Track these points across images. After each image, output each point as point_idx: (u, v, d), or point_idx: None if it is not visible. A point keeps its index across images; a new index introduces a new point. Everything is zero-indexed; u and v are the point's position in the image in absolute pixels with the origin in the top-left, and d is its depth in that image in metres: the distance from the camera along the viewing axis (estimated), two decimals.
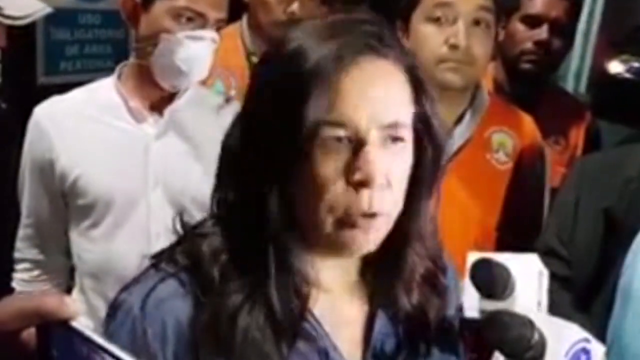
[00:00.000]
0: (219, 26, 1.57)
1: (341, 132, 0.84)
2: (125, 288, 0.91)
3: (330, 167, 0.84)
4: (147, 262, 0.93)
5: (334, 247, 0.89)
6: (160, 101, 1.62)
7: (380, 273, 0.96)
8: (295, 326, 0.87)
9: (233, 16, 2.21)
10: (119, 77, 1.64)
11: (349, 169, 0.84)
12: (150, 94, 1.61)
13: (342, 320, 0.93)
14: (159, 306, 0.87)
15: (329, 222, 0.86)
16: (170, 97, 1.63)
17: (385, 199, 0.86)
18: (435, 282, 0.98)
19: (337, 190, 0.84)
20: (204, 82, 2.03)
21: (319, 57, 0.83)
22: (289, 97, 0.83)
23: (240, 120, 0.92)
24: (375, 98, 0.85)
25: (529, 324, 0.86)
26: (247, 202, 0.88)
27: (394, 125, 0.86)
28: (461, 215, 1.62)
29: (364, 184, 0.84)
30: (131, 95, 1.61)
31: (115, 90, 1.62)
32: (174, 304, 0.87)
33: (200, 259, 0.89)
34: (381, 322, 0.96)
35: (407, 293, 0.96)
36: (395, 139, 0.86)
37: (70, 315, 0.57)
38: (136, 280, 0.91)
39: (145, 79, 1.59)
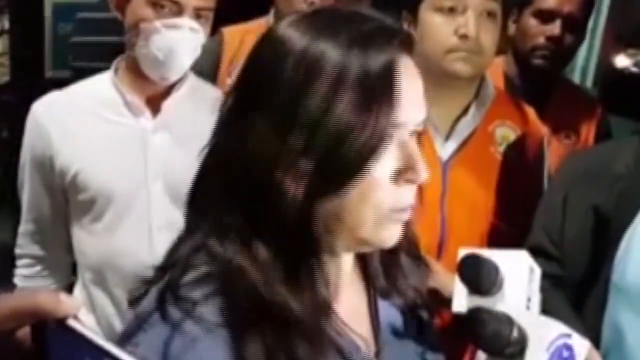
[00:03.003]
0: (201, 14, 1.54)
1: (395, 131, 0.85)
2: (128, 338, 0.83)
3: (382, 167, 0.84)
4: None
5: (366, 244, 0.89)
6: (156, 95, 1.62)
7: (372, 259, 0.97)
8: (326, 330, 0.86)
9: (261, 10, 2.23)
10: (116, 71, 1.64)
11: (402, 168, 0.85)
12: (145, 88, 1.61)
13: (350, 312, 0.93)
14: (187, 351, 0.80)
15: (370, 222, 0.86)
16: (168, 91, 1.62)
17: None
18: (414, 253, 1.00)
19: (385, 189, 0.85)
20: (229, 76, 2.04)
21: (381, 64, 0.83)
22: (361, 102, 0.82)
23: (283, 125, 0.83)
24: (420, 94, 0.88)
25: (507, 320, 0.86)
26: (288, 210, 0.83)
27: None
28: (467, 207, 1.62)
29: (413, 182, 0.86)
30: (128, 89, 1.61)
31: (112, 84, 1.62)
32: (204, 344, 0.80)
33: (226, 284, 0.84)
34: (383, 308, 0.97)
35: (400, 272, 0.98)
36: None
37: (66, 313, 0.56)
38: (137, 327, 0.83)
39: (138, 72, 1.59)
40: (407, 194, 0.87)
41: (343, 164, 0.81)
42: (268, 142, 0.82)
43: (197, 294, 0.83)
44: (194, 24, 1.53)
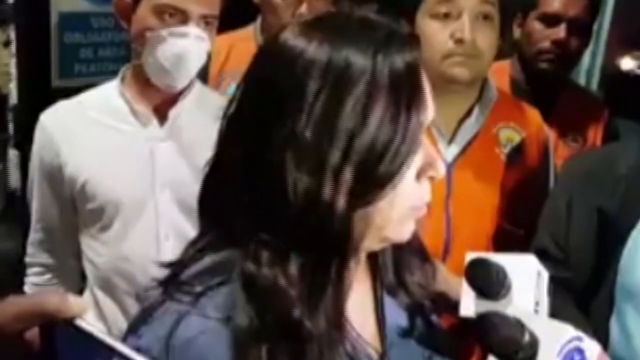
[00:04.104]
0: (207, 22, 1.54)
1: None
2: (132, 331, 0.84)
3: (412, 167, 0.85)
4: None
5: (386, 242, 0.90)
6: (163, 103, 1.61)
7: (384, 255, 0.98)
8: (339, 342, 0.86)
9: (248, 18, 2.22)
10: (122, 79, 1.64)
11: (423, 165, 0.87)
12: (152, 96, 1.61)
13: (356, 309, 0.92)
14: (189, 346, 0.80)
15: (395, 220, 0.86)
16: (174, 99, 1.62)
17: None
18: (419, 249, 1.01)
19: (412, 188, 0.86)
20: (218, 85, 2.03)
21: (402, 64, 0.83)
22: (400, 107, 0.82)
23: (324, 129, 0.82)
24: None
25: (519, 325, 0.86)
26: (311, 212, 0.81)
27: None
28: (472, 209, 1.62)
29: (433, 177, 0.88)
30: (135, 98, 1.61)
31: (119, 93, 1.62)
32: (207, 339, 0.81)
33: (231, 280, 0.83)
34: (389, 305, 0.98)
35: (407, 269, 0.99)
36: None
37: (73, 314, 0.56)
38: (141, 321, 0.84)
39: (145, 80, 1.59)
40: (426, 190, 0.88)
41: (384, 172, 0.82)
42: (309, 159, 0.80)
43: (195, 288, 0.83)
44: (200, 31, 1.52)
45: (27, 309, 0.58)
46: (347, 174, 0.80)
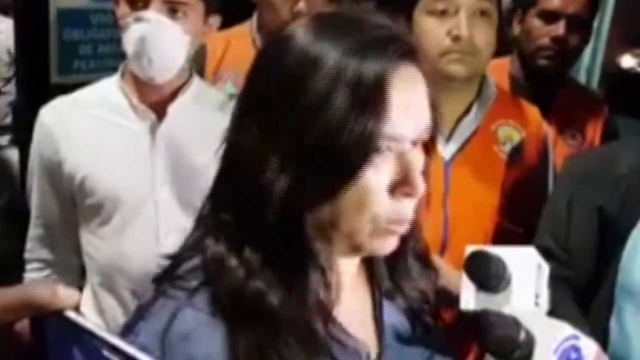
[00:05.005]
0: (174, 9, 1.53)
1: (392, 144, 0.83)
2: (129, 329, 0.85)
3: (379, 179, 0.83)
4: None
5: (360, 250, 0.90)
6: (162, 99, 1.62)
7: (378, 260, 0.97)
8: (329, 333, 0.86)
9: (243, 15, 2.21)
10: (122, 75, 1.64)
11: (399, 180, 0.84)
12: (150, 92, 1.61)
13: (353, 315, 0.93)
14: (184, 341, 0.81)
15: (366, 231, 0.86)
16: (173, 95, 1.62)
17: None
18: (423, 256, 1.00)
19: (382, 202, 0.84)
20: (214, 83, 2.03)
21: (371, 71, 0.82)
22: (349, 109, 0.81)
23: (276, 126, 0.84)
24: (420, 102, 0.86)
25: (515, 323, 0.85)
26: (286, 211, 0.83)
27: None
28: (470, 206, 1.62)
29: (409, 195, 0.85)
30: (134, 93, 1.61)
31: (118, 89, 1.62)
32: (200, 334, 0.82)
33: (221, 276, 0.84)
34: (388, 309, 0.97)
35: (405, 274, 0.98)
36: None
37: (63, 305, 0.56)
38: (138, 317, 0.85)
39: None
40: (405, 207, 0.86)
41: (331, 168, 0.81)
42: (258, 143, 0.83)
43: (190, 283, 0.84)
44: (160, 17, 1.51)
45: (16, 301, 0.57)
46: (295, 164, 0.81)
